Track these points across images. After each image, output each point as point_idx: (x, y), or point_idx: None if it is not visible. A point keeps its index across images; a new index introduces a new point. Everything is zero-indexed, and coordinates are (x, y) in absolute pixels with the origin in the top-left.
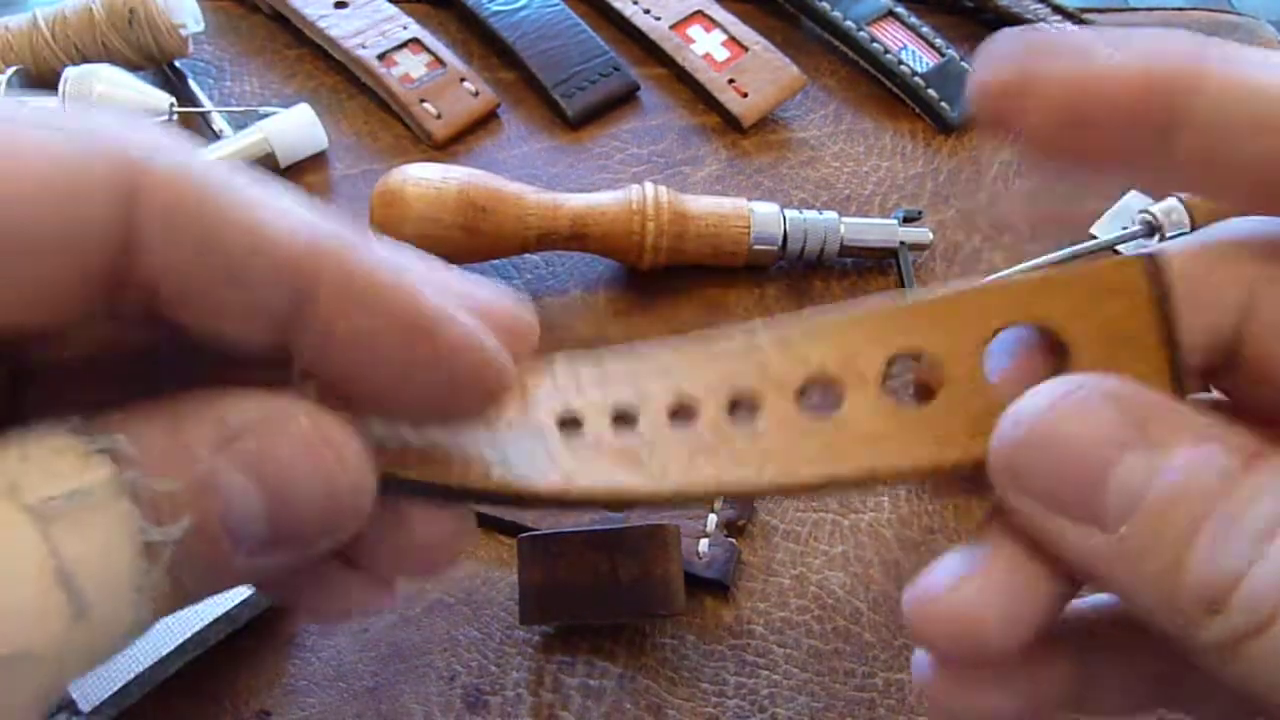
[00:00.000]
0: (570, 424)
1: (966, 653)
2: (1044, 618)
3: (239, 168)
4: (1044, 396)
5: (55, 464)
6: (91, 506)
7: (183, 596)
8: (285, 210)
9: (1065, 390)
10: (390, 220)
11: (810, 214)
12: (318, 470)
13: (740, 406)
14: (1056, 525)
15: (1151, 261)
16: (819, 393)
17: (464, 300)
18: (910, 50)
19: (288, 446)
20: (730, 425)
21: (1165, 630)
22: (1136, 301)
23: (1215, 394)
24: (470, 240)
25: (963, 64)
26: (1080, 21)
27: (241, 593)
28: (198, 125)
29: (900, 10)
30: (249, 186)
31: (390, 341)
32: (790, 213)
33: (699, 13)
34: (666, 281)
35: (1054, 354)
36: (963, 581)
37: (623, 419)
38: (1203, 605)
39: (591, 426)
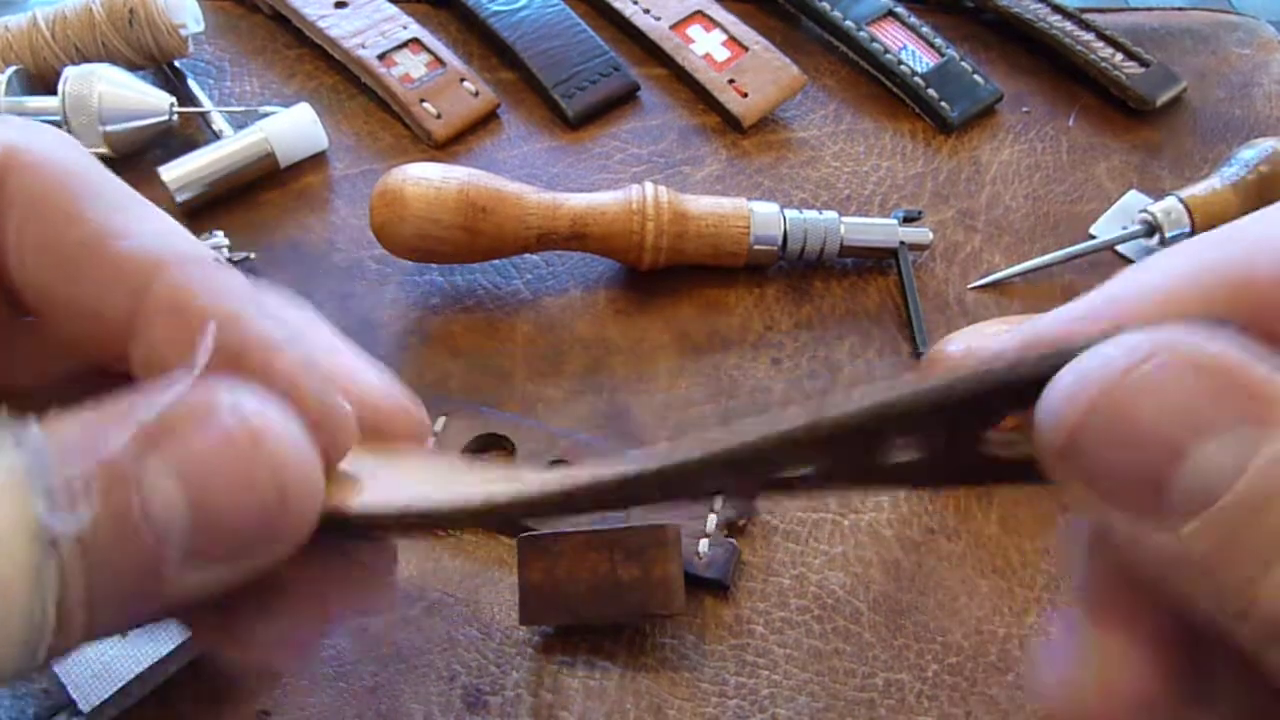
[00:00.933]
0: None
1: None
2: (1173, 680)
3: (117, 181)
4: (1116, 359)
5: None
6: None
7: (112, 612)
8: (143, 222)
9: (1142, 353)
10: (390, 220)
11: (810, 214)
12: (242, 467)
13: None
14: (1115, 516)
15: None
16: None
17: (336, 375)
18: (910, 50)
19: (207, 440)
20: None
21: (1233, 639)
22: None
23: None
24: (470, 240)
25: (963, 64)
26: (1080, 22)
27: None
28: (198, 125)
29: (900, 10)
30: (118, 194)
31: (210, 363)
32: (790, 213)
33: (699, 13)
34: (666, 281)
35: None
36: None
37: None
38: None
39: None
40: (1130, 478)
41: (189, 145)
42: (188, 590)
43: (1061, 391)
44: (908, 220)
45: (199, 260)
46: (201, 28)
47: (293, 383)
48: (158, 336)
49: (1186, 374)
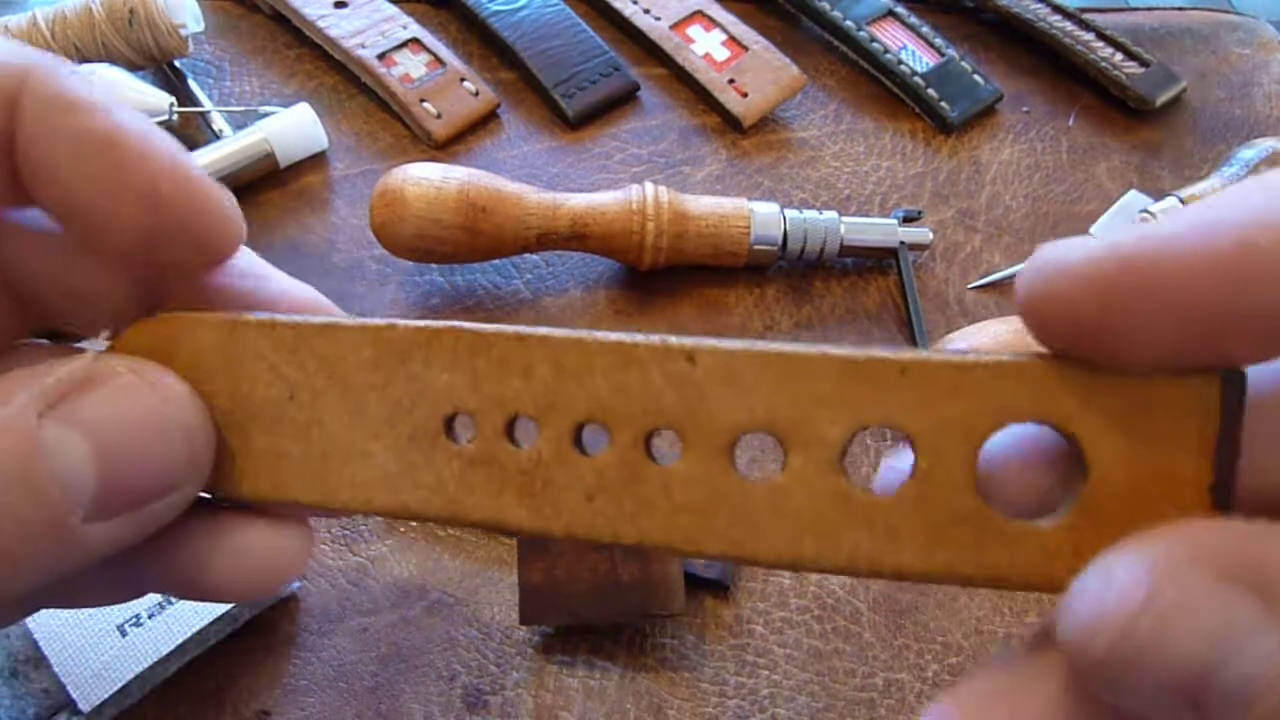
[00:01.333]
0: (460, 425)
1: None
2: None
3: None
4: (1129, 582)
5: None
6: None
7: (22, 569)
8: None
9: (1159, 575)
10: (390, 220)
11: (810, 214)
12: (145, 416)
13: (660, 439)
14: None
15: (1229, 383)
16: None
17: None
18: (910, 50)
19: (111, 397)
20: (643, 464)
21: None
22: (1191, 432)
23: None
24: (470, 240)
25: (962, 64)
26: (1080, 22)
27: None
28: (198, 125)
29: (900, 10)
30: None
31: (93, 149)
32: (790, 213)
33: (699, 13)
34: (666, 281)
35: (1065, 462)
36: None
37: (521, 430)
38: None
39: (484, 433)
40: (1165, 704)
41: (189, 145)
42: (97, 543)
43: (1077, 621)
44: (908, 220)
45: (57, 62)
46: (201, 27)
47: (182, 170)
48: (41, 133)
49: (1214, 589)
